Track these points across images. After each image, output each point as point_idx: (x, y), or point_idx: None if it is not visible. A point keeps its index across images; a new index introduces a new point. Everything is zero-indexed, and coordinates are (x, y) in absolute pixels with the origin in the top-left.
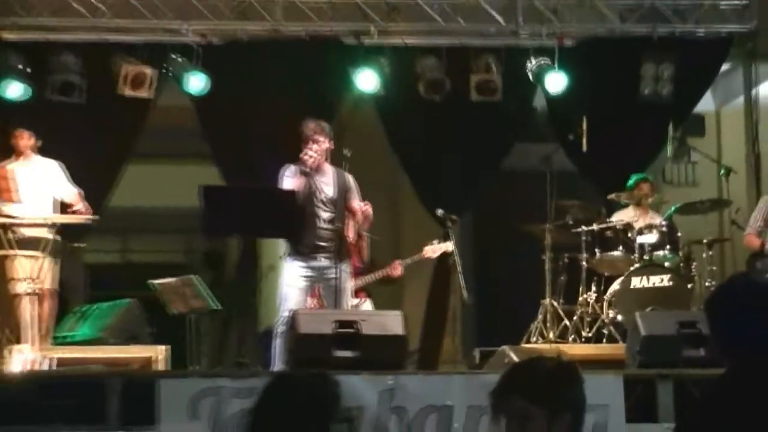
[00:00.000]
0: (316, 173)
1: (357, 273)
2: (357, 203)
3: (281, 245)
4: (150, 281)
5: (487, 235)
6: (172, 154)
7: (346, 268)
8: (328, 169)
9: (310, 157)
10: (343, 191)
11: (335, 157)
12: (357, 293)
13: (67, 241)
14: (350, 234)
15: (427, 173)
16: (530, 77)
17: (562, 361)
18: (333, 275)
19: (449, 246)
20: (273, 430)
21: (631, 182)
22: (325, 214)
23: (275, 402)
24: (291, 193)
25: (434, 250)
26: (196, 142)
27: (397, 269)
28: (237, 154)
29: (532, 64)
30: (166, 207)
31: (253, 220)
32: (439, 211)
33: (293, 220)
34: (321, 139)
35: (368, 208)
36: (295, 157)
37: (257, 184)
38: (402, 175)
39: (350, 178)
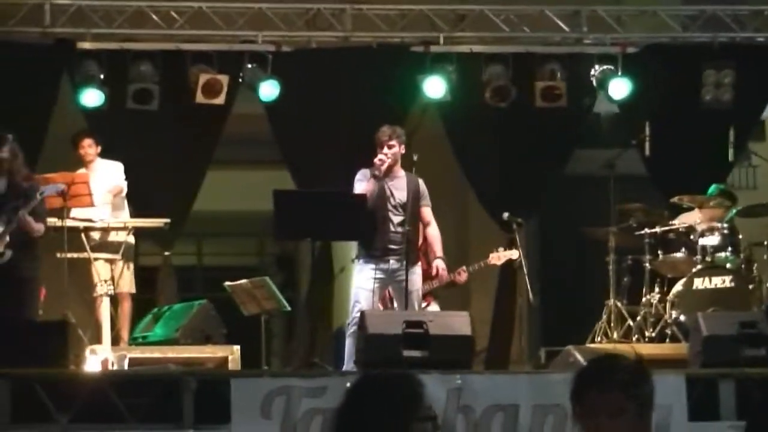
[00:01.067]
0: (388, 177)
1: (424, 278)
2: (428, 213)
3: (353, 248)
4: (224, 283)
5: (552, 238)
6: (246, 160)
7: (416, 270)
8: (401, 174)
9: (381, 161)
10: (414, 196)
11: (404, 162)
12: (424, 297)
13: (158, 247)
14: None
15: (493, 178)
16: (594, 84)
17: (638, 358)
18: (403, 277)
19: (514, 254)
20: (359, 429)
21: (711, 191)
22: (396, 218)
23: (362, 402)
24: (361, 197)
25: (499, 257)
26: (270, 148)
27: (462, 276)
28: (309, 159)
29: (595, 70)
30: (240, 211)
31: (323, 224)
32: (505, 215)
33: (364, 224)
34: (393, 143)
35: (444, 271)
36: (365, 163)
37: (328, 189)
38: (468, 180)
39: (421, 183)
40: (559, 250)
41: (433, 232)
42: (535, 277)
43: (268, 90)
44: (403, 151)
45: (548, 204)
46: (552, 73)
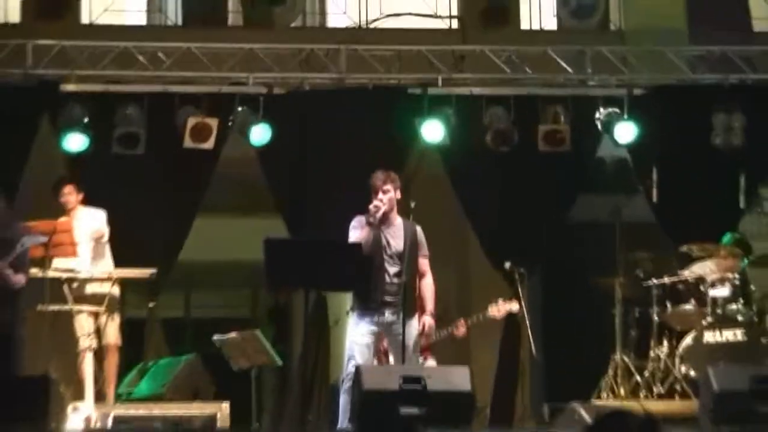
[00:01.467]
0: (384, 225)
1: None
2: (424, 264)
3: (347, 299)
4: (213, 337)
5: (555, 288)
6: (237, 206)
7: (413, 323)
8: (397, 221)
9: (376, 207)
10: (412, 244)
11: (401, 209)
12: (421, 351)
13: (143, 297)
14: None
15: (494, 225)
16: (599, 127)
17: (650, 416)
18: (400, 331)
19: (514, 306)
20: None
21: (726, 239)
22: (392, 268)
23: None
24: (356, 246)
25: (499, 310)
26: (261, 193)
27: (460, 329)
28: (302, 205)
29: (601, 113)
30: (230, 261)
31: (317, 274)
32: (507, 265)
33: (359, 274)
34: (388, 188)
35: (430, 326)
36: (361, 209)
37: (322, 237)
38: (470, 227)
39: (419, 231)
40: (563, 301)
41: (427, 286)
42: (538, 329)
43: (260, 134)
44: (399, 197)
45: (552, 252)
46: (555, 116)
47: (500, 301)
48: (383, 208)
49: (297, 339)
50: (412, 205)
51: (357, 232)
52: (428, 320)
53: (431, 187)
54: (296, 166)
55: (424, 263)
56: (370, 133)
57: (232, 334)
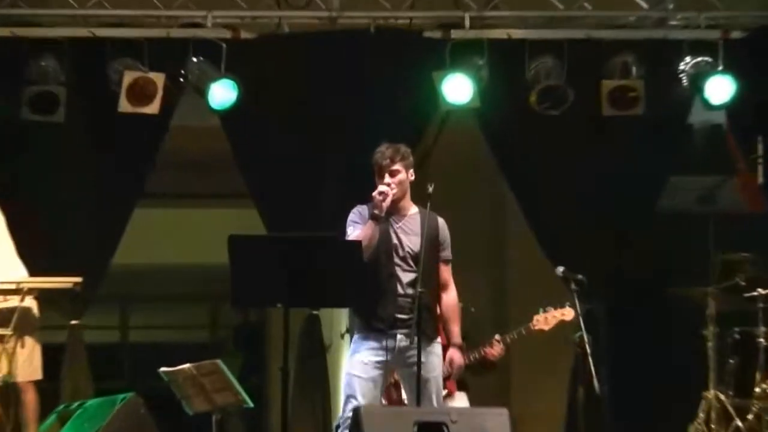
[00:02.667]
0: (394, 218)
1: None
2: (445, 272)
3: (342, 318)
4: (160, 369)
5: (627, 301)
6: (191, 192)
7: (434, 349)
8: (412, 211)
9: (382, 194)
10: (431, 242)
11: (417, 196)
12: (445, 385)
13: (63, 315)
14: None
15: (542, 217)
16: (684, 83)
17: None
18: (414, 359)
19: (568, 313)
20: None
21: None
22: (406, 275)
23: None
24: (354, 244)
25: (546, 320)
26: (226, 175)
27: (496, 348)
28: (283, 190)
29: (686, 64)
30: (182, 265)
31: (301, 284)
32: (560, 270)
33: (358, 283)
34: (398, 168)
35: (459, 365)
36: (361, 196)
37: (307, 233)
38: (507, 220)
39: (442, 225)
40: (637, 319)
41: (450, 305)
42: (602, 357)
43: (224, 94)
44: (413, 179)
45: (622, 253)
46: (625, 68)
47: (549, 309)
48: (391, 195)
49: (275, 370)
50: (430, 189)
51: (357, 228)
52: (456, 356)
53: (456, 166)
54: (273, 138)
55: (445, 270)
56: (371, 93)
57: (186, 366)
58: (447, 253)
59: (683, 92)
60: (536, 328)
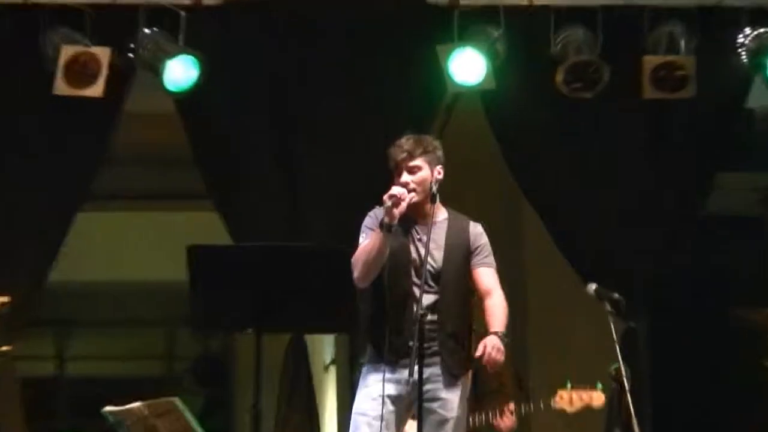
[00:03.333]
0: (416, 226)
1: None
2: (487, 277)
3: (326, 346)
4: (104, 408)
5: (674, 327)
6: (143, 193)
7: (457, 388)
8: (440, 218)
9: (392, 197)
10: (461, 253)
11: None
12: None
13: None
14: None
15: (571, 224)
16: (743, 59)
17: None
18: (436, 396)
19: (598, 398)
20: None
21: None
22: (427, 297)
23: None
24: (342, 253)
25: (572, 400)
26: (184, 172)
27: (506, 420)
28: (252, 191)
29: (746, 36)
30: (132, 282)
31: (276, 304)
32: (592, 288)
33: (347, 305)
34: (418, 164)
35: (494, 354)
36: (359, 200)
37: (283, 243)
38: (525, 225)
39: (476, 230)
40: (687, 348)
41: (496, 302)
42: (646, 394)
43: (180, 72)
44: (441, 177)
45: (667, 266)
46: (671, 41)
47: (578, 388)
48: (408, 199)
49: (243, 410)
50: (434, 188)
51: (369, 236)
52: (493, 341)
53: (465, 163)
54: (241, 128)
55: (486, 274)
56: (363, 74)
57: (136, 405)
58: (487, 259)
59: (741, 71)
60: (558, 406)
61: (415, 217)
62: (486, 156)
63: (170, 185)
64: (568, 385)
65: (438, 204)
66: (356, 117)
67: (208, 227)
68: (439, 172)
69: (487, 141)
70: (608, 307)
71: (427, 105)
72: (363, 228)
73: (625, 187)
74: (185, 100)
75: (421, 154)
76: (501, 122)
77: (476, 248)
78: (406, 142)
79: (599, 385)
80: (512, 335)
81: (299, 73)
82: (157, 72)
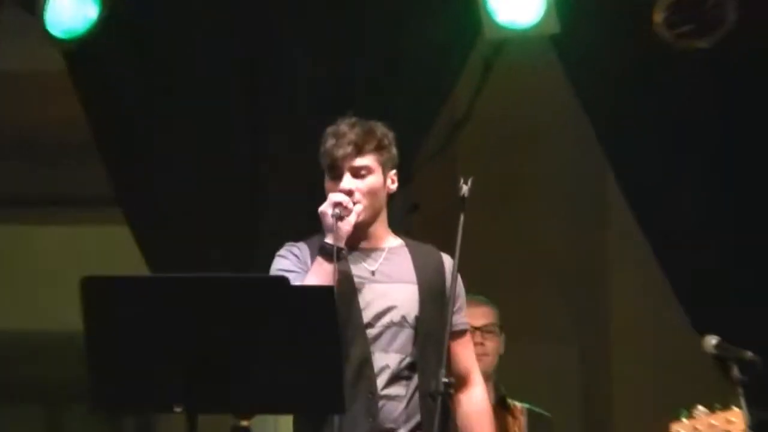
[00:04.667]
0: (358, 255)
1: None
2: (463, 353)
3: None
4: None
5: None
6: (19, 198)
7: None
8: (391, 245)
9: (337, 206)
10: (440, 300)
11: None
12: None
13: None
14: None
15: (677, 238)
16: None
17: None
18: None
19: (738, 421)
20: None
21: None
22: (389, 359)
23: None
24: (323, 294)
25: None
26: (81, 167)
27: None
28: (178, 192)
29: None
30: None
31: (217, 371)
32: (711, 343)
33: (332, 367)
34: (367, 164)
35: None
36: (306, 207)
37: (230, 273)
38: (608, 239)
39: (449, 265)
40: None
41: (475, 406)
42: None
43: (72, 11)
44: (395, 187)
45: None
46: None
47: (700, 413)
48: (355, 213)
49: None
50: (464, 189)
51: (296, 279)
52: None
53: (512, 145)
54: (165, 98)
55: (461, 351)
56: (354, 18)
57: None
58: (460, 319)
59: None
60: None
61: (357, 243)
62: (545, 138)
63: (58, 186)
64: (683, 415)
65: (384, 224)
66: (341, 85)
67: (117, 248)
68: (393, 180)
69: (543, 118)
70: (736, 372)
71: (452, 60)
72: (275, 273)
73: (754, 182)
74: (79, 53)
75: (373, 150)
76: (582, 82)
77: (453, 297)
78: (350, 129)
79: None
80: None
81: (254, 20)
82: (35, 10)
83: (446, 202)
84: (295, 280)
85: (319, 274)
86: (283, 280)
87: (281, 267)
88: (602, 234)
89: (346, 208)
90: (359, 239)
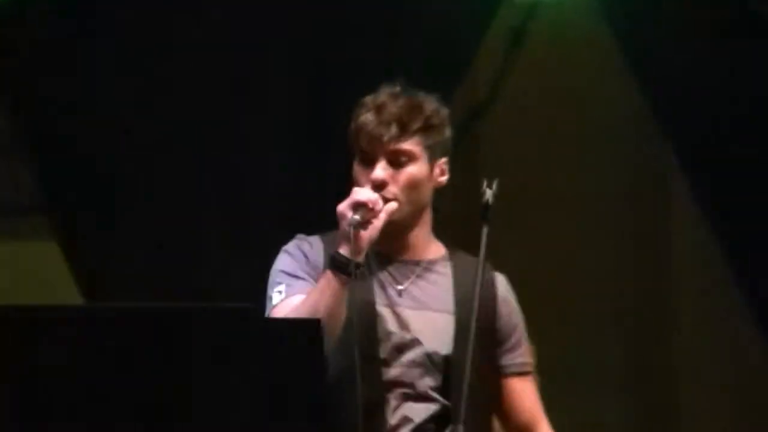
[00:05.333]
0: (390, 268)
1: None
2: (524, 389)
3: None
4: None
5: None
6: None
7: None
8: (434, 257)
9: (358, 205)
10: (485, 335)
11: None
12: None
13: None
14: None
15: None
16: None
17: None
18: None
19: None
20: None
21: None
22: (412, 409)
23: None
24: (308, 327)
25: None
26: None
27: None
28: (120, 195)
29: None
30: None
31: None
32: None
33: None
34: (408, 148)
35: None
36: (304, 202)
37: (181, 303)
38: (673, 252)
39: (504, 290)
40: None
41: None
42: None
43: None
44: (446, 179)
45: None
46: None
47: None
48: (385, 213)
49: None
50: (488, 194)
51: (294, 289)
52: None
53: (548, 134)
54: (107, 72)
55: (522, 390)
56: None
57: None
58: (520, 356)
59: None
60: None
61: (389, 251)
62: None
63: None
64: None
65: (427, 229)
66: (331, 63)
67: (42, 268)
68: (442, 171)
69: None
70: None
71: (471, 28)
72: (276, 274)
73: None
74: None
75: (418, 131)
76: (638, 53)
77: (511, 331)
78: (392, 101)
79: None
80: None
81: None
82: None
83: (465, 205)
84: (294, 290)
85: (324, 294)
86: (246, 312)
87: (283, 268)
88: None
89: (372, 210)
90: (391, 247)
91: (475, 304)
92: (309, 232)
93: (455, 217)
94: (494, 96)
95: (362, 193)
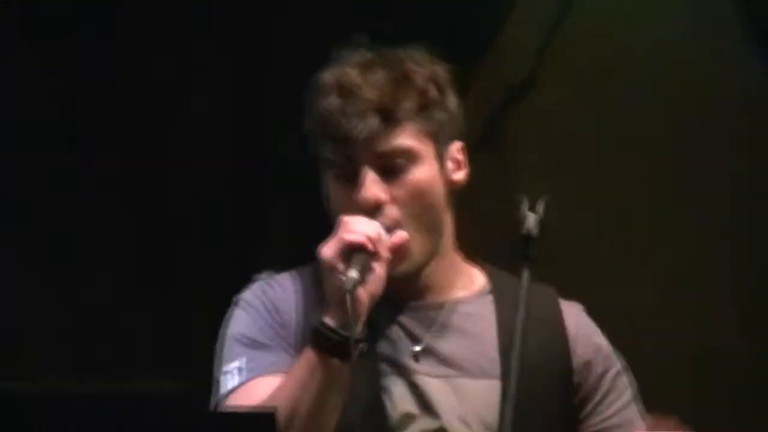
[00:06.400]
0: (402, 312)
1: None
2: None
3: None
4: None
5: None
6: None
7: None
8: (462, 290)
9: (353, 247)
10: (538, 405)
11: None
12: None
13: None
14: None
15: None
16: None
17: None
18: None
19: None
20: None
21: None
22: None
23: None
24: (258, 421)
25: None
26: None
27: None
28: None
29: None
30: None
31: None
32: None
33: None
34: (409, 144)
35: None
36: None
37: (120, 389)
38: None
39: (577, 326)
40: None
41: None
42: None
43: None
44: (461, 176)
45: None
46: None
47: None
48: (398, 241)
49: None
50: (530, 219)
51: (252, 371)
52: None
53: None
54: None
55: None
56: None
57: None
58: (633, 409)
59: None
60: None
61: (398, 294)
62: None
63: None
64: None
65: (452, 250)
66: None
67: None
68: (459, 163)
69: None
70: None
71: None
72: (228, 343)
73: None
74: None
75: (412, 115)
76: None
77: (600, 380)
78: (365, 76)
79: None
80: None
81: None
82: None
83: (495, 229)
84: (258, 370)
85: (307, 386)
86: (186, 401)
87: (239, 331)
88: None
89: (375, 253)
90: (401, 288)
91: (513, 362)
92: (271, 266)
93: (480, 245)
94: (534, 70)
95: (356, 229)
